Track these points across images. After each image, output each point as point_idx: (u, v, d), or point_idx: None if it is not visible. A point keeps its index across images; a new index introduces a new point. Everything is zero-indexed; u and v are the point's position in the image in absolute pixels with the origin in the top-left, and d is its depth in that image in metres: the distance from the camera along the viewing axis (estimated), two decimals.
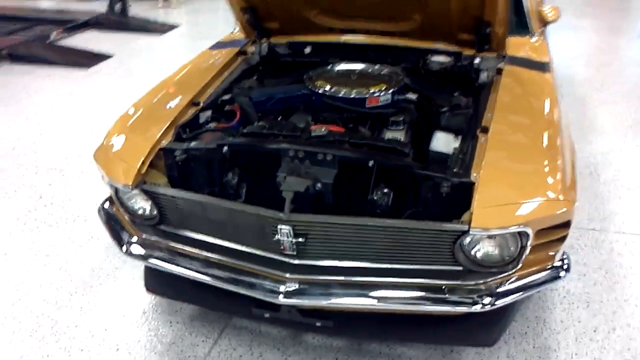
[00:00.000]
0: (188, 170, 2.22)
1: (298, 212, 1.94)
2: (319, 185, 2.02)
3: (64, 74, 5.82)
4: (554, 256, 2.05)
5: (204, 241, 2.16)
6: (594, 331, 2.49)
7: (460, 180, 1.95)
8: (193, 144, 2.21)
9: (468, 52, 2.78)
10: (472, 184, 1.93)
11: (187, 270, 2.12)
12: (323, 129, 2.20)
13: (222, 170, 2.17)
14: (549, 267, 2.04)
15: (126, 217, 2.30)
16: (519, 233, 1.89)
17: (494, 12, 2.49)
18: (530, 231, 1.87)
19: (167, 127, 2.31)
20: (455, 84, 2.70)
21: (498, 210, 1.86)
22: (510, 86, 2.59)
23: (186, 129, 2.34)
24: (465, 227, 1.83)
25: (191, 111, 2.45)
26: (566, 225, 1.96)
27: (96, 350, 2.43)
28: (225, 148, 2.15)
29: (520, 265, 1.97)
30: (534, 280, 2.01)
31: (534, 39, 3.20)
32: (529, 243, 1.91)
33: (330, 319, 2.11)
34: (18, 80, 5.67)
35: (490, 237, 1.93)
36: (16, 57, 6.20)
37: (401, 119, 2.39)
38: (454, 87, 2.68)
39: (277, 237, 1.96)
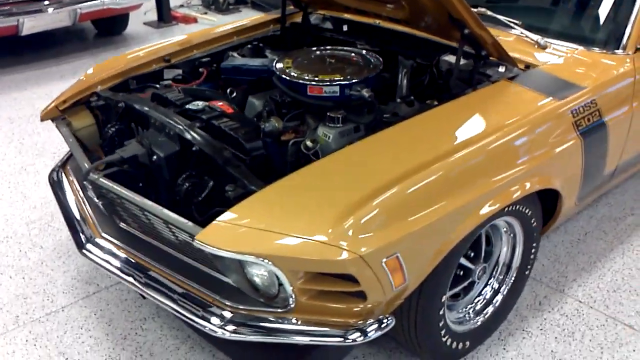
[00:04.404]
0: (107, 117, 2.40)
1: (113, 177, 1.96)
2: (155, 157, 2.01)
3: None
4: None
5: None
6: None
7: (244, 188, 1.72)
8: (114, 94, 2.37)
9: (493, 58, 2.28)
10: (253, 193, 1.69)
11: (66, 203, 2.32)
12: (200, 104, 2.13)
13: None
14: (329, 323, 1.67)
15: None
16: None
17: (454, 7, 1.98)
18: (275, 268, 1.56)
19: (118, 74, 2.50)
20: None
21: (236, 230, 1.59)
22: (465, 104, 2.07)
23: (134, 80, 2.50)
24: (192, 234, 1.63)
25: (156, 66, 2.60)
26: (351, 278, 1.58)
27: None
28: (122, 104, 2.26)
29: (289, 306, 1.66)
30: (305, 330, 1.68)
31: (628, 59, 2.37)
32: (284, 281, 1.60)
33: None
34: None
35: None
36: (255, 4, 6.96)
37: (339, 115, 2.13)
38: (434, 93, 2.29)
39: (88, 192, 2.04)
